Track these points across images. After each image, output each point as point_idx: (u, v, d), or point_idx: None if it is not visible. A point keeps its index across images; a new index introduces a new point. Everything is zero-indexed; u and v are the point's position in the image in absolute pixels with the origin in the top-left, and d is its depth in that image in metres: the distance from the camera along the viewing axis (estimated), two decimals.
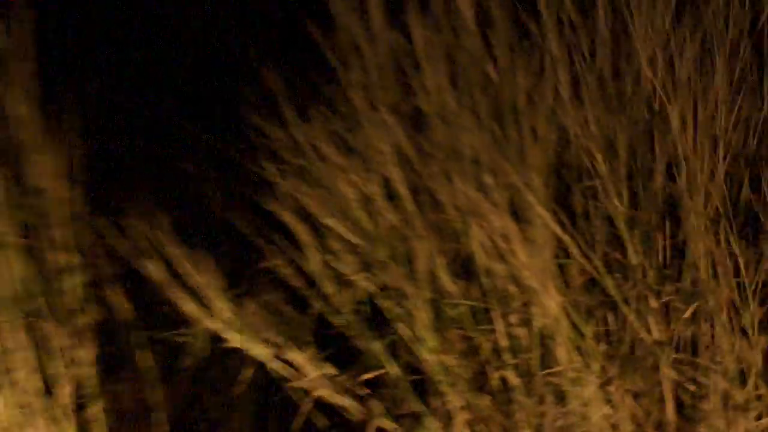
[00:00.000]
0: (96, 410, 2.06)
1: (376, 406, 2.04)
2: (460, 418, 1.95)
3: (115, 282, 2.15)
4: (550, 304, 1.87)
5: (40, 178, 2.02)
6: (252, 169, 2.12)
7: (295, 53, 2.23)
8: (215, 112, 2.51)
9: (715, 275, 1.83)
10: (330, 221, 1.94)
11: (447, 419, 2.00)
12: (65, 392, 2.02)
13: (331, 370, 2.06)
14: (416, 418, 2.05)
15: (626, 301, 1.87)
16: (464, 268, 1.99)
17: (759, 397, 1.83)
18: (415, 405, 2.02)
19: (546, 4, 1.89)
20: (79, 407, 2.06)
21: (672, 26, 1.89)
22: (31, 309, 2.03)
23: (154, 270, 2.06)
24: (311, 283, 2.07)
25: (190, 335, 2.19)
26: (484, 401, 1.98)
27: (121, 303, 2.16)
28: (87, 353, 2.07)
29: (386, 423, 2.03)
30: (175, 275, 2.07)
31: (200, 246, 2.10)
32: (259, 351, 2.06)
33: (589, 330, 1.89)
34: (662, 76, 1.86)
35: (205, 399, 2.29)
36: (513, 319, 1.95)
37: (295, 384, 2.05)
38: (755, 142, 1.92)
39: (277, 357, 2.06)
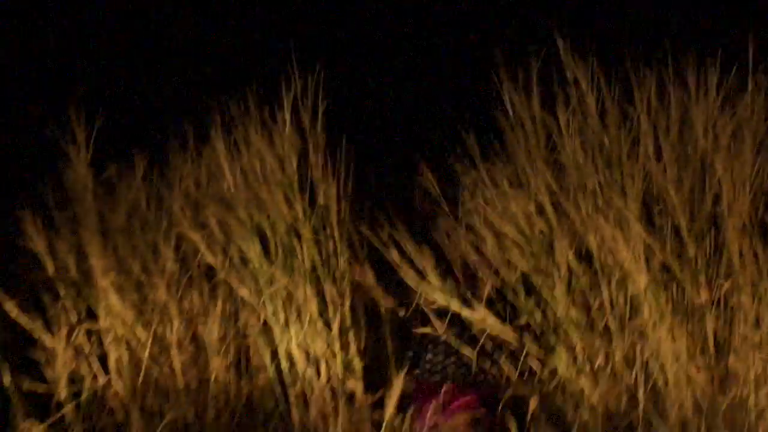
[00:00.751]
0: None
1: (527, 339, 3.25)
2: (579, 348, 3.15)
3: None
4: (640, 279, 3.05)
5: None
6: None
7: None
8: None
9: (743, 263, 2.99)
10: (506, 228, 3.15)
11: (571, 351, 3.20)
12: (336, 326, 3.34)
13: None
14: (551, 350, 3.24)
15: (692, 280, 3.05)
16: (586, 258, 3.19)
17: None
18: (551, 340, 3.23)
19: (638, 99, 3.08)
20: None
21: (718, 112, 3.05)
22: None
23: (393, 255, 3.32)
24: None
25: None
26: (594, 338, 3.17)
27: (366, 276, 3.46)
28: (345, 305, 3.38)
29: (533, 349, 3.24)
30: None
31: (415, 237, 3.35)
32: (456, 306, 3.29)
33: (662, 296, 3.07)
34: (711, 142, 3.03)
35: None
36: (614, 288, 3.14)
37: (477, 324, 3.27)
38: None
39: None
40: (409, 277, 3.34)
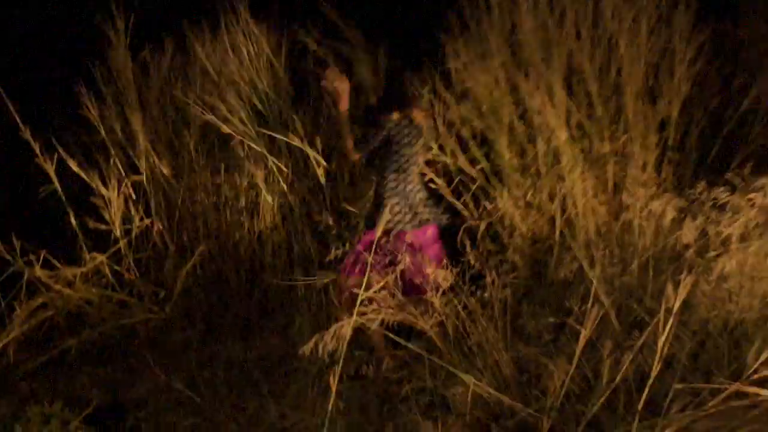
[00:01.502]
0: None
1: (481, 179, 4.08)
2: (515, 188, 3.95)
3: None
4: (561, 134, 3.85)
5: None
6: None
7: None
8: None
9: (636, 121, 3.77)
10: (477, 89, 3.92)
11: (510, 190, 4.02)
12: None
13: None
14: (497, 188, 4.05)
15: (596, 135, 3.85)
16: (525, 118, 3.94)
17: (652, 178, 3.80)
18: (497, 182, 4.04)
19: None
20: None
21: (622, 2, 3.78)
22: None
23: None
24: None
25: None
26: (527, 180, 3.98)
27: None
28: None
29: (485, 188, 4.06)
30: None
31: None
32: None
33: (577, 148, 3.88)
34: (617, 25, 3.77)
35: None
36: (542, 141, 3.94)
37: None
38: None
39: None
40: None
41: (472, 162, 4.03)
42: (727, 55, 4.21)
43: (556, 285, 3.53)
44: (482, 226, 3.64)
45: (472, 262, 3.09)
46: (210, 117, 4.29)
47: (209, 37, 4.52)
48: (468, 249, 3.19)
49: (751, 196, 2.98)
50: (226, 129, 4.37)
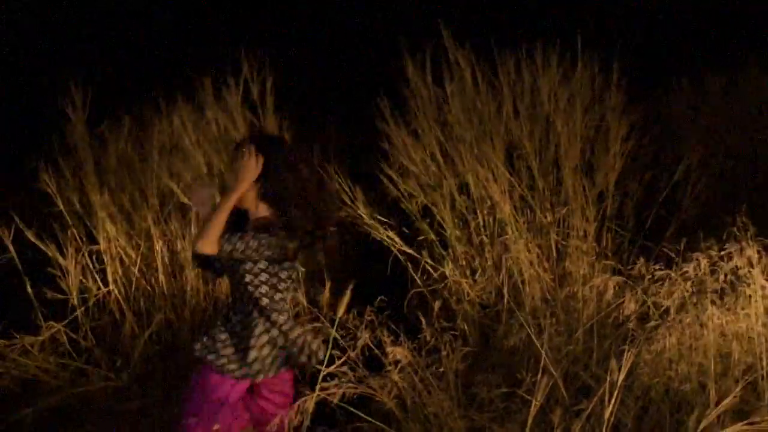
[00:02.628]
0: None
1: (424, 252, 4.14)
2: (459, 250, 4.03)
3: None
4: (505, 207, 3.95)
5: None
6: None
7: None
8: None
9: (575, 193, 3.90)
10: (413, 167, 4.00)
11: (456, 260, 4.10)
12: None
13: None
14: (442, 259, 4.13)
15: (538, 207, 3.96)
16: (466, 192, 4.06)
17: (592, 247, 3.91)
18: (442, 252, 4.12)
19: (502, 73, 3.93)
20: None
21: (558, 83, 3.92)
22: None
23: None
24: None
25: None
26: (472, 251, 4.07)
27: None
28: None
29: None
30: None
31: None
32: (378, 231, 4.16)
33: (520, 219, 3.98)
34: (553, 105, 3.90)
35: None
36: (486, 214, 4.03)
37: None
38: None
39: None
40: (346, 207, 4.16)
41: (417, 233, 4.11)
42: (657, 130, 4.38)
43: (506, 352, 3.58)
44: (437, 306, 3.69)
45: (428, 338, 3.12)
46: (170, 184, 4.28)
47: (165, 113, 4.53)
48: (423, 325, 3.23)
49: (685, 268, 3.08)
50: (183, 198, 4.36)
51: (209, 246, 2.73)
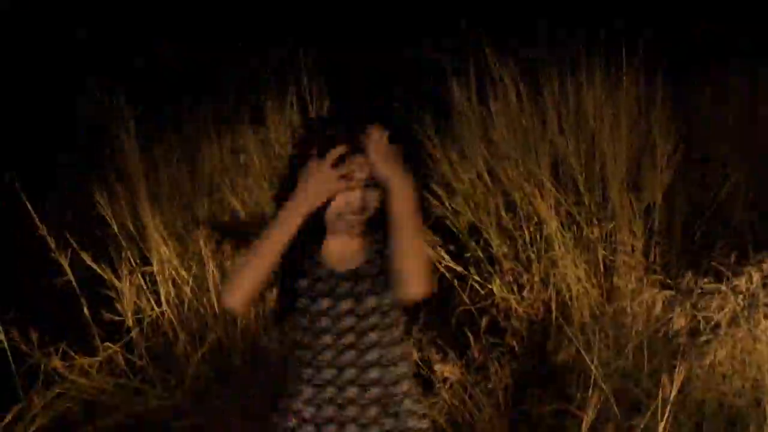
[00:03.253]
0: None
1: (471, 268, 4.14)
2: (506, 266, 4.02)
3: None
4: (552, 223, 3.94)
5: None
6: None
7: None
8: None
9: (621, 209, 3.87)
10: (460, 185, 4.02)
11: (503, 276, 4.09)
12: None
13: None
14: (489, 276, 4.13)
15: (584, 223, 3.95)
16: (512, 209, 4.06)
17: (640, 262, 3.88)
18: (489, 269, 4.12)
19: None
20: None
21: (603, 101, 3.91)
22: None
23: None
24: None
25: None
26: (517, 266, 4.06)
27: None
28: None
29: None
30: None
31: None
32: None
33: (567, 235, 3.96)
34: (598, 123, 3.90)
35: None
36: (533, 230, 4.03)
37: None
38: None
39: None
40: None
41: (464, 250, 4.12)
42: (703, 146, 4.34)
43: (556, 368, 3.56)
44: (484, 322, 3.70)
45: (476, 355, 3.13)
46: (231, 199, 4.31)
47: (215, 138, 4.62)
48: (471, 342, 3.24)
49: (736, 282, 3.05)
50: (244, 215, 4.44)
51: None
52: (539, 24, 3.99)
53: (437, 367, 2.94)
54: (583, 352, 3.17)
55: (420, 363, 3.30)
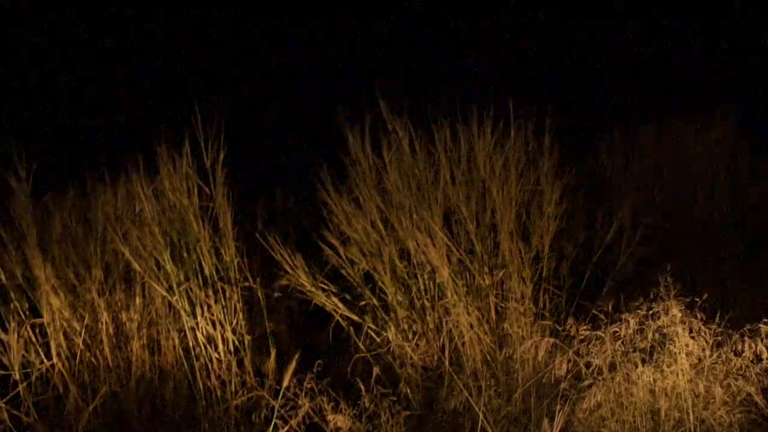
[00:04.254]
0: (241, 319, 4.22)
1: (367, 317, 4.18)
2: (401, 314, 4.07)
3: None
4: (444, 271, 4.01)
5: None
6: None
7: None
8: None
9: (512, 257, 3.98)
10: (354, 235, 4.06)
11: (398, 324, 4.14)
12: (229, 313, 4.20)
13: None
14: (384, 323, 4.17)
15: (476, 271, 4.03)
16: (407, 257, 4.13)
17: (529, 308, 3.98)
18: (384, 317, 4.16)
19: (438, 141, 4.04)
20: None
21: (492, 150, 4.04)
22: None
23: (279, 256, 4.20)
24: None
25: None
26: (413, 315, 4.12)
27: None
28: (234, 298, 4.24)
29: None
30: None
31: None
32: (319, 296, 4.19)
33: (459, 283, 4.04)
34: (489, 171, 4.01)
35: None
36: (426, 278, 4.09)
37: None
38: None
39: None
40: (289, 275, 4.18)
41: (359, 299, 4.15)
42: (590, 192, 4.51)
43: (448, 414, 3.61)
44: (375, 371, 3.72)
45: (368, 404, 3.15)
46: (120, 248, 4.25)
47: (110, 185, 4.55)
48: (363, 392, 3.26)
49: (616, 328, 3.17)
50: (136, 266, 4.36)
51: None
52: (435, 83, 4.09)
53: (330, 417, 2.96)
54: (472, 399, 3.24)
55: (312, 413, 3.30)
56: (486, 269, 4.02)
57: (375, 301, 4.16)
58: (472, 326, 3.96)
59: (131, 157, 4.49)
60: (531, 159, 4.10)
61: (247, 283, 4.35)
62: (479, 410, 3.10)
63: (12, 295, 4.51)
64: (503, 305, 3.99)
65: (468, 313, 3.96)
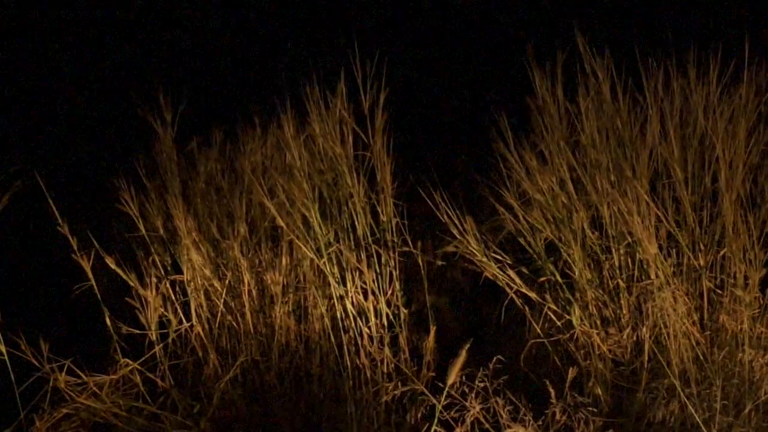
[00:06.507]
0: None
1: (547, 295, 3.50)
2: (589, 295, 3.37)
3: None
4: (651, 245, 3.25)
5: None
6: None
7: None
8: None
9: (736, 232, 3.17)
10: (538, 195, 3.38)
11: (584, 306, 3.44)
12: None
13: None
14: (568, 304, 3.48)
15: (688, 247, 3.26)
16: (599, 227, 3.41)
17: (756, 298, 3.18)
18: (566, 294, 3.47)
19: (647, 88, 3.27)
20: None
21: (716, 99, 3.23)
22: None
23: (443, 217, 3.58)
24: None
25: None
26: (602, 295, 3.40)
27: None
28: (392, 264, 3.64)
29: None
30: None
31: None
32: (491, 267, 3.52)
33: (667, 261, 3.28)
34: (710, 125, 3.21)
35: None
36: (622, 253, 3.36)
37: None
38: None
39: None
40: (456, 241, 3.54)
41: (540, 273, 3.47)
42: None
43: (650, 425, 2.89)
44: (570, 374, 3.05)
45: (558, 416, 2.48)
46: (265, 201, 3.74)
47: (259, 131, 4.06)
48: (553, 399, 2.59)
49: None
50: (281, 221, 3.85)
51: None
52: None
53: (507, 426, 2.31)
54: (696, 413, 2.50)
55: (483, 419, 2.66)
56: (701, 246, 3.23)
57: (558, 278, 3.47)
58: (680, 315, 3.18)
59: (281, 100, 3.98)
60: (765, 113, 3.27)
61: (405, 248, 3.74)
62: (704, 425, 2.35)
63: (153, 248, 4.13)
64: (719, 292, 3.19)
65: (674, 299, 3.19)
